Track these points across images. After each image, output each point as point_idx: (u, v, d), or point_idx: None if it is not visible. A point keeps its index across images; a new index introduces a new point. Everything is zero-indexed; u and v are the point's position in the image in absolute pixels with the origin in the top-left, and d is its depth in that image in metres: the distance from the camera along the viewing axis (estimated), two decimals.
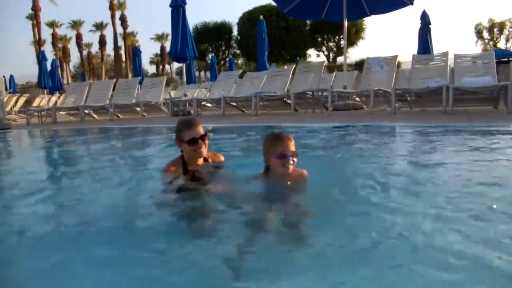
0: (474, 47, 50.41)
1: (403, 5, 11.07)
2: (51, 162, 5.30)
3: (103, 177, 3.74)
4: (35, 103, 19.87)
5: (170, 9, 12.27)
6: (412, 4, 10.92)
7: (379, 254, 1.68)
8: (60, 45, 57.13)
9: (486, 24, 48.75)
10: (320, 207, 2.27)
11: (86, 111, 11.98)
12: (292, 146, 2.44)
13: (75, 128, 9.97)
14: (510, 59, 23.50)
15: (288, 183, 2.52)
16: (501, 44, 47.05)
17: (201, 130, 2.76)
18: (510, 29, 47.08)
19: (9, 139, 8.74)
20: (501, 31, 47.69)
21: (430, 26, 16.09)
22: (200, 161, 2.84)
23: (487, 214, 2.09)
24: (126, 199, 2.86)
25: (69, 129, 9.92)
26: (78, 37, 57.57)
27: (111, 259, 1.80)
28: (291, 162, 2.43)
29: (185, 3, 12.31)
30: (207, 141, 2.79)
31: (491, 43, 48.23)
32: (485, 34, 48.92)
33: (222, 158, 3.10)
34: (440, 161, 3.53)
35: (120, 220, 2.39)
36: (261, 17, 17.19)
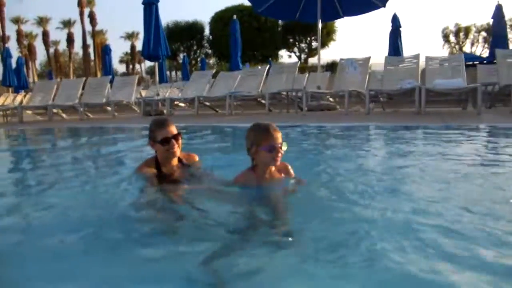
0: (441, 50, 52.05)
1: (376, 7, 11.26)
2: (17, 162, 5.05)
3: (74, 178, 3.61)
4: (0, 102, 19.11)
5: (141, 7, 12.04)
6: (384, 6, 11.12)
7: (363, 258, 1.64)
8: (25, 42, 55.34)
9: (452, 28, 50.45)
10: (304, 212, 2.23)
11: (54, 110, 11.58)
12: (280, 137, 2.35)
13: (44, 127, 9.61)
14: (475, 62, 24.35)
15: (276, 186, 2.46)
16: (467, 48, 48.80)
17: (173, 129, 2.70)
18: (475, 34, 48.86)
19: None
20: (466, 36, 49.39)
21: (400, 29, 16.44)
22: (174, 161, 2.78)
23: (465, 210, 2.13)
24: (95, 200, 2.75)
25: (38, 128, 9.55)
26: (45, 35, 55.95)
27: (75, 260, 1.72)
28: (280, 154, 2.35)
29: (157, 1, 12.10)
30: (180, 141, 2.73)
31: (457, 46, 49.89)
32: (452, 38, 50.59)
33: (197, 158, 3.03)
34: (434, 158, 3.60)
35: (87, 220, 2.29)
36: (235, 17, 17.12)
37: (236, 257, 1.69)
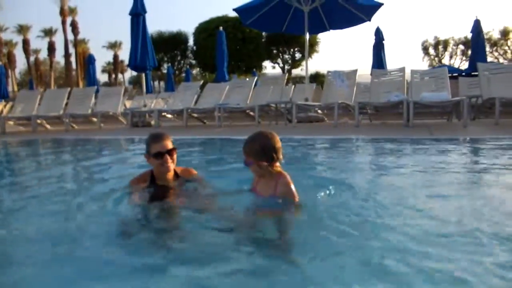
0: (421, 63, 53.20)
1: (361, 21, 11.48)
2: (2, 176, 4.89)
3: (68, 191, 3.60)
4: None
5: (124, 16, 12.06)
6: (370, 20, 11.35)
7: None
8: (4, 50, 54.30)
9: (431, 41, 51.71)
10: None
11: (38, 121, 11.37)
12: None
13: (30, 139, 9.36)
14: (454, 74, 24.99)
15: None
16: (445, 61, 49.96)
17: (169, 144, 2.71)
18: (454, 47, 50.14)
19: None
20: (445, 48, 50.66)
21: (383, 42, 16.77)
22: (170, 175, 2.78)
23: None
24: (89, 213, 2.71)
25: (24, 140, 9.30)
26: (25, 43, 55.01)
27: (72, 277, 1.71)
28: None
29: (145, 12, 12.13)
30: (175, 156, 2.75)
31: (436, 59, 51.09)
32: (431, 51, 51.79)
33: (195, 173, 3.02)
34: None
35: (67, 236, 2.28)
36: (221, 28, 17.23)
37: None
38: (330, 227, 2.18)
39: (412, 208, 2.54)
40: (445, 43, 50.21)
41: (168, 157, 2.68)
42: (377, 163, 4.48)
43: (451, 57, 50.46)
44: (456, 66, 43.74)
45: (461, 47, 48.57)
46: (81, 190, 3.67)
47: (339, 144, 6.08)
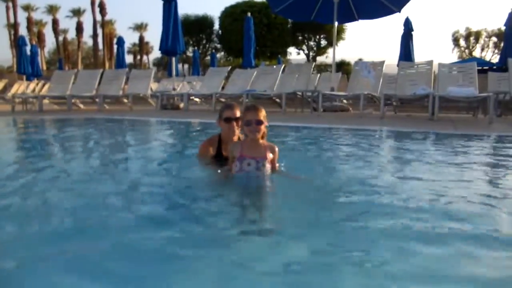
0: (450, 54, 51.95)
1: (391, 12, 11.45)
2: (74, 153, 5.13)
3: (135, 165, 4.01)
4: (13, 90, 19.33)
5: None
6: (399, 11, 11.31)
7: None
8: (35, 29, 55.43)
9: (463, 32, 50.42)
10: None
11: (72, 100, 11.83)
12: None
13: (69, 117, 9.71)
14: (484, 67, 24.39)
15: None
16: (477, 53, 48.67)
17: (237, 113, 3.24)
18: (486, 39, 48.76)
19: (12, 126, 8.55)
20: (477, 40, 49.30)
21: (412, 32, 16.55)
22: (235, 138, 3.29)
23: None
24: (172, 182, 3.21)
25: (64, 118, 9.61)
26: (55, 23, 55.97)
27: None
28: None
29: None
30: (240, 123, 3.20)
31: (467, 51, 49.80)
32: (462, 42, 50.53)
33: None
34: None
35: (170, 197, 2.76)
36: (249, 14, 17.30)
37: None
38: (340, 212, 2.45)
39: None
40: (477, 35, 48.84)
41: (235, 123, 3.21)
42: (396, 155, 4.64)
43: (482, 49, 49.12)
44: (487, 59, 42.64)
45: (494, 39, 47.18)
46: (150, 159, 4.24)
47: (363, 134, 6.25)
